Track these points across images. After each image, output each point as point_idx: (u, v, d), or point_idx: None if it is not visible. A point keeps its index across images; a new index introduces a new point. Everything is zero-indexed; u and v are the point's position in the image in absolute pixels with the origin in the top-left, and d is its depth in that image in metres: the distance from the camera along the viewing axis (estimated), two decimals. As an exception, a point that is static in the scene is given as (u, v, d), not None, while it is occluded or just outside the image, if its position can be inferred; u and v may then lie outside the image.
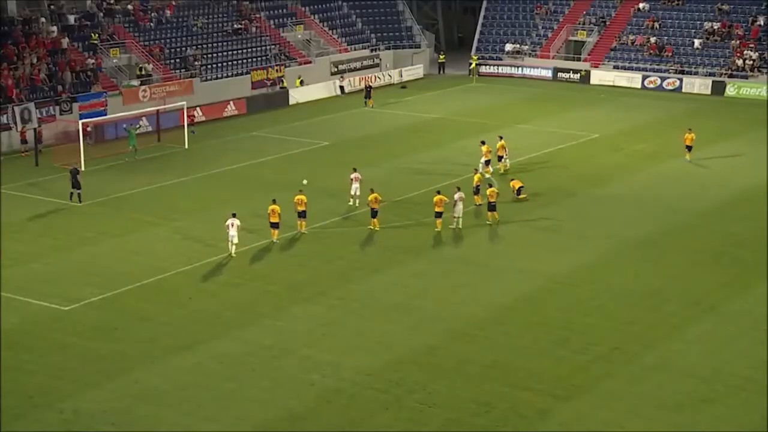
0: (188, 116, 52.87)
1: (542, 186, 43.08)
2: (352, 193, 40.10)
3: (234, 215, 34.88)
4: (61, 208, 40.38)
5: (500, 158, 45.84)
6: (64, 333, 28.09)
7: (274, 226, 35.99)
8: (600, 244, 36.12)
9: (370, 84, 65.86)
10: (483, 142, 45.12)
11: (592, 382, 25.57)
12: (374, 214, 37.40)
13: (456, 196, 37.47)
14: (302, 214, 37.00)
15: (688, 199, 41.77)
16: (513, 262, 34.39)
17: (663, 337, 28.23)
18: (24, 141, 49.20)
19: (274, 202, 36.27)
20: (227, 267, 33.63)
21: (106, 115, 52.98)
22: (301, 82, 65.39)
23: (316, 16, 72.85)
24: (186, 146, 51.37)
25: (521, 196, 40.52)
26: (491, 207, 38.15)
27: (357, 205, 39.43)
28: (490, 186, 39.57)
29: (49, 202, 41.29)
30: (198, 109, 57.58)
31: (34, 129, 48.32)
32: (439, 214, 37.38)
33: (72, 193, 40.70)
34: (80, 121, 48.07)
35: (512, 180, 42.26)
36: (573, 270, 33.54)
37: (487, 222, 38.08)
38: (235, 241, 34.52)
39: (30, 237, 36.72)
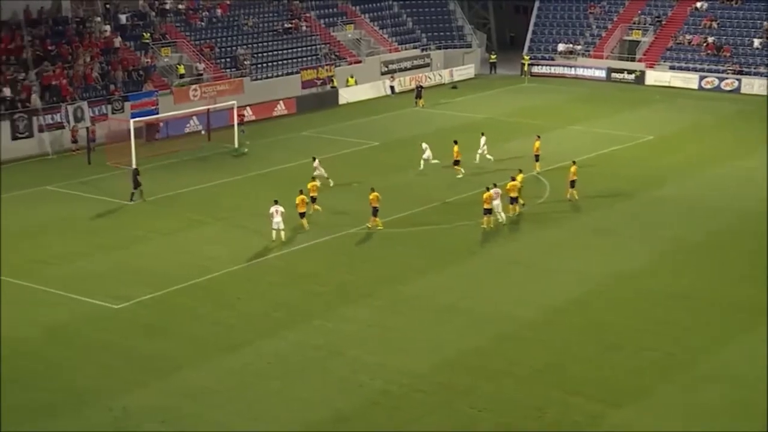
0: (238, 115, 53.25)
1: (595, 188, 42.62)
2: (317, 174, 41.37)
3: (276, 202, 35.57)
4: (113, 207, 40.87)
5: (537, 158, 45.53)
6: (113, 332, 28.40)
7: (303, 215, 36.92)
8: (654, 247, 35.62)
9: (421, 84, 65.78)
10: (455, 142, 45.39)
11: (646, 389, 25.18)
12: (375, 212, 37.38)
13: (493, 192, 37.36)
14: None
15: (744, 202, 41.03)
16: (564, 263, 34.06)
17: (719, 344, 27.73)
18: (74, 140, 49.83)
19: (300, 192, 37.23)
20: (276, 267, 33.76)
21: (157, 114, 53.57)
22: (356, 81, 65.50)
23: (367, 15, 72.93)
24: (236, 145, 51.71)
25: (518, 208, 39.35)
26: (513, 200, 38.10)
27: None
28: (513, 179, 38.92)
29: (100, 201, 41.82)
30: (248, 108, 57.95)
31: (87, 128, 49.03)
32: (488, 211, 37.22)
33: (133, 193, 40.93)
34: (131, 120, 48.63)
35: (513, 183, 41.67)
36: (626, 273, 33.11)
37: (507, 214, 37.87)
38: (282, 226, 35.15)
39: (81, 235, 37.20)
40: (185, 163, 48.44)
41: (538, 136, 46.49)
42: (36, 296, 30.97)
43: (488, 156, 46.01)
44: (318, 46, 66.92)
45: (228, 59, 62.00)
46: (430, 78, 69.81)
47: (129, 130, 47.47)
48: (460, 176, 44.36)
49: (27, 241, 36.48)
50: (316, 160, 42.92)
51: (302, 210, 37.21)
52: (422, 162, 45.44)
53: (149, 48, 58.64)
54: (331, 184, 41.05)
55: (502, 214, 37.80)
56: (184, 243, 36.40)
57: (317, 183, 39.66)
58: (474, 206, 39.45)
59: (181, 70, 58.76)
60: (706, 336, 28.29)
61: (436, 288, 31.97)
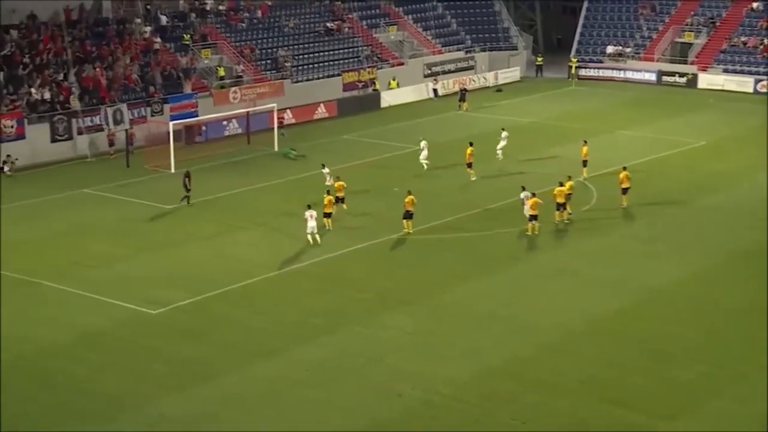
0: (278, 118, 53.68)
1: (644, 195, 42.34)
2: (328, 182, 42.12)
3: (310, 206, 36.34)
4: (151, 210, 41.41)
5: (584, 163, 45.36)
6: (151, 336, 28.81)
7: (328, 215, 37.84)
8: (704, 256, 35.33)
9: (465, 87, 65.83)
10: (471, 144, 45.63)
11: (696, 402, 25.00)
12: (409, 215, 37.60)
13: (522, 196, 37.35)
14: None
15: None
16: (611, 272, 33.91)
17: (772, 357, 27.42)
18: (111, 143, 50.49)
19: (328, 193, 38.02)
20: (314, 273, 34.01)
21: (196, 116, 54.17)
22: (398, 84, 65.71)
23: (410, 16, 73.11)
24: (276, 149, 52.13)
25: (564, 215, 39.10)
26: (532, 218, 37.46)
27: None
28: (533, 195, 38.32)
29: (138, 204, 42.40)
30: (288, 111, 58.39)
31: (126, 130, 49.70)
32: (533, 217, 37.19)
33: (187, 197, 41.31)
34: (170, 123, 49.25)
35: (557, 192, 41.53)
36: (674, 282, 32.89)
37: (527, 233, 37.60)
38: (316, 231, 36.02)
39: (118, 239, 37.77)
40: (224, 166, 48.93)
41: (585, 141, 46.36)
42: (74, 300, 31.51)
43: (498, 153, 45.96)
44: (360, 48, 67.24)
45: (268, 61, 62.53)
46: (474, 81, 69.79)
47: (168, 133, 48.14)
48: (474, 179, 44.44)
49: (65, 244, 37.13)
50: (326, 167, 43.13)
51: (328, 210, 37.94)
52: (424, 164, 46.47)
53: (189, 49, 59.34)
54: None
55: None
56: (222, 247, 36.80)
57: (343, 183, 40.39)
58: (517, 212, 39.41)
59: (221, 72, 59.39)
60: (758, 348, 27.99)
61: (477, 295, 32.00)
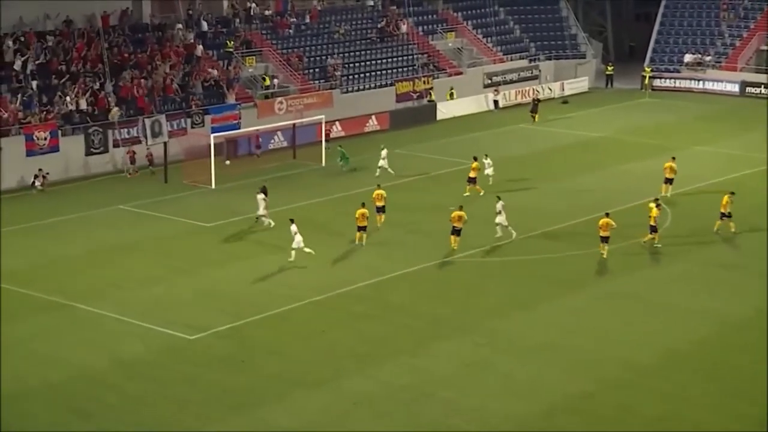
0: (325, 131, 54.02)
1: (723, 216, 41.90)
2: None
3: (292, 221, 37.53)
4: (189, 228, 41.96)
5: (669, 181, 45.05)
6: (189, 363, 29.18)
7: (362, 229, 38.51)
8: (790, 285, 34.88)
9: (538, 97, 65.79)
10: (475, 158, 46.34)
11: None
12: (456, 232, 37.89)
13: (498, 206, 38.46)
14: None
15: None
16: (685, 300, 33.65)
17: None
18: (132, 161, 50.31)
19: (363, 206, 38.39)
20: (363, 297, 34.20)
21: (239, 128, 54.81)
22: (451, 95, 65.93)
23: (470, 22, 73.34)
24: (323, 164, 52.53)
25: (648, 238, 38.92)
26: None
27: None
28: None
29: (176, 222, 43.00)
30: (337, 123, 58.82)
31: (164, 143, 50.42)
32: (605, 239, 37.06)
33: (262, 215, 41.73)
34: (212, 135, 49.89)
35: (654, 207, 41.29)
36: (755, 313, 32.51)
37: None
38: (302, 245, 36.85)
39: (154, 258, 38.34)
40: (269, 182, 49.35)
41: (673, 158, 46.00)
42: (108, 323, 32.04)
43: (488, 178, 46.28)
44: (415, 56, 67.56)
45: (317, 70, 63.09)
46: (538, 92, 69.73)
47: (209, 146, 48.78)
48: (467, 194, 44.76)
49: (99, 264, 37.77)
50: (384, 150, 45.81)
51: (362, 224, 38.30)
52: (378, 169, 48.09)
53: (233, 57, 60.11)
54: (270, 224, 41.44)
55: (509, 229, 38.75)
56: (265, 269, 37.15)
57: (383, 192, 41.05)
58: (582, 234, 39.30)
59: (266, 81, 60.07)
60: None
61: (540, 323, 31.93)
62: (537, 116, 62.56)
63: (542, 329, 31.49)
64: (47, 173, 48.24)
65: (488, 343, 30.50)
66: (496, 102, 67.46)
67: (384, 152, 49.25)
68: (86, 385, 27.87)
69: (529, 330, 31.42)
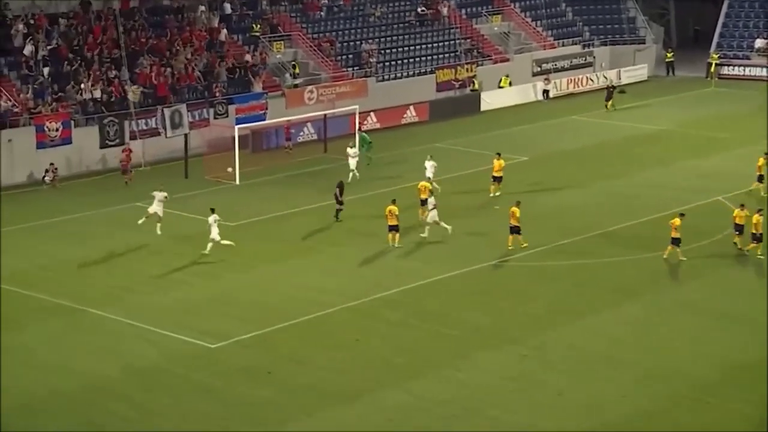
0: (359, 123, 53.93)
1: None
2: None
3: (213, 210, 38.01)
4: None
5: (760, 178, 44.48)
6: (209, 374, 29.16)
7: (393, 228, 38.42)
8: None
9: (613, 84, 65.40)
10: (499, 154, 45.92)
11: None
12: (514, 231, 38.03)
13: (430, 203, 38.85)
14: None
15: None
16: (755, 310, 33.17)
17: None
18: (125, 169, 48.51)
19: (393, 202, 38.10)
20: (400, 303, 34.07)
21: (265, 119, 54.87)
22: (509, 83, 65.67)
23: (517, 4, 73.05)
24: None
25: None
26: (755, 237, 37.17)
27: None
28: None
29: (197, 221, 43.03)
30: (372, 114, 58.72)
31: (185, 135, 50.54)
32: (676, 241, 36.82)
33: (338, 210, 41.94)
34: (236, 127, 49.97)
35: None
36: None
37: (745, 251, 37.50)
38: (218, 238, 37.54)
39: (174, 260, 38.39)
40: (296, 178, 49.42)
41: (767, 153, 45.34)
42: (123, 330, 32.11)
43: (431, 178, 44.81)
44: (457, 41, 67.38)
45: (350, 56, 63.07)
46: (592, 81, 69.34)
47: (233, 139, 48.84)
48: (495, 195, 44.57)
49: (114, 266, 37.92)
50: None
51: (392, 223, 38.35)
52: (350, 174, 47.39)
53: (259, 42, 60.20)
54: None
55: (443, 225, 39.12)
56: (293, 272, 37.10)
57: (428, 185, 41.43)
58: (643, 237, 38.89)
59: (296, 68, 60.08)
60: None
61: (593, 335, 31.63)
62: (610, 104, 62.29)
63: (596, 341, 31.18)
64: (56, 168, 48.28)
65: (536, 356, 30.25)
66: (546, 92, 67.13)
67: (353, 151, 48.28)
68: (97, 395, 27.91)
69: (581, 342, 31.13)
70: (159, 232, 40.12)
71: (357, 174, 47.07)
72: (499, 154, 45.96)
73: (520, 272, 36.97)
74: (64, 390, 28.13)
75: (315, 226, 42.02)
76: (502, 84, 65.88)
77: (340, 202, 42.12)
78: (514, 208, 38.28)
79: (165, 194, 40.75)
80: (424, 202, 41.16)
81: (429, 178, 43.67)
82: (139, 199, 45.83)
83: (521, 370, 29.37)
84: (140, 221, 40.16)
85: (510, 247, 38.45)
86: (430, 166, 44.97)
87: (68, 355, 30.30)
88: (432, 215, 39.59)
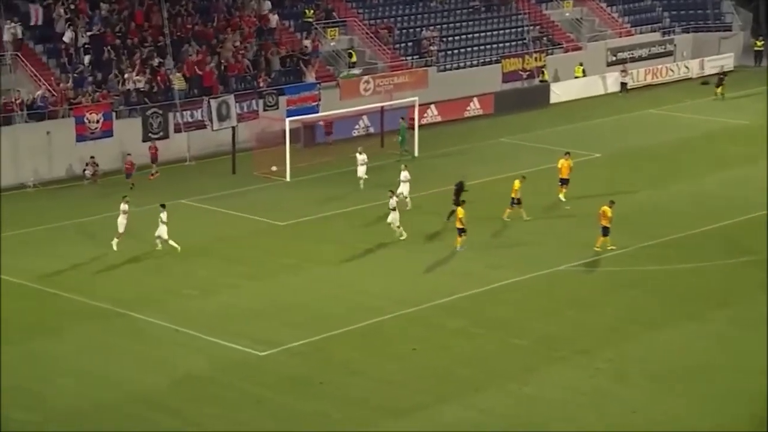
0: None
1: None
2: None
3: (163, 206, 38.72)
4: (260, 227, 42.32)
5: None
6: (257, 384, 29.41)
7: (461, 232, 38.29)
8: None
9: (725, 71, 65.04)
10: (568, 153, 45.22)
11: None
12: (605, 232, 38.03)
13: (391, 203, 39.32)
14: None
15: None
16: None
17: None
18: (154, 159, 49.61)
19: (462, 203, 38.29)
20: (461, 310, 34.10)
21: (317, 112, 55.09)
22: (583, 72, 65.45)
23: (592, -12, 72.68)
24: (416, 153, 52.51)
25: None
26: None
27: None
28: None
29: (246, 219, 43.42)
30: (432, 106, 58.76)
31: (233, 128, 50.93)
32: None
33: (453, 211, 41.40)
34: (287, 119, 50.27)
35: None
36: None
37: None
38: (166, 236, 38.47)
39: (220, 262, 38.75)
40: (350, 174, 49.53)
41: None
42: (168, 336, 32.47)
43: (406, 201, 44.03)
44: (525, 28, 67.18)
45: (410, 44, 63.13)
46: (672, 71, 68.77)
47: (283, 132, 49.13)
48: (563, 199, 44.08)
49: (155, 267, 38.38)
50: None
51: (460, 226, 38.37)
52: (360, 181, 46.74)
53: (312, 29, 60.47)
54: None
55: (400, 230, 39.73)
56: (346, 276, 37.30)
57: (517, 184, 41.44)
58: (729, 241, 38.58)
59: (352, 57, 60.26)
60: None
61: (672, 348, 31.43)
62: (720, 90, 62.80)
63: (674, 354, 30.99)
64: (96, 164, 48.79)
65: (609, 369, 30.13)
66: (624, 84, 66.61)
67: (362, 157, 46.93)
68: (140, 406, 28.23)
69: (657, 355, 30.97)
70: (115, 248, 39.37)
71: (365, 180, 45.96)
72: (567, 153, 45.60)
73: (592, 278, 36.85)
74: (106, 401, 28.47)
75: (371, 227, 42.17)
76: (576, 73, 65.57)
77: (457, 203, 41.20)
78: (606, 208, 38.26)
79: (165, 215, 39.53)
80: (514, 202, 41.47)
81: (402, 193, 42.89)
82: (185, 195, 46.37)
83: (592, 385, 29.29)
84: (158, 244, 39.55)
85: (597, 248, 38.47)
86: (404, 177, 43.78)
87: (109, 363, 30.69)
88: (393, 216, 39.86)
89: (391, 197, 40.30)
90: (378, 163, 51.20)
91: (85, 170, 48.99)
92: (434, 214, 43.05)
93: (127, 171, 48.45)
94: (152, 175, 49.53)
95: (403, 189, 43.36)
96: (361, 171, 46.57)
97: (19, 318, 33.81)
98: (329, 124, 54.67)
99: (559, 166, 44.68)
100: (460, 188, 41.91)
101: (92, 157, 48.97)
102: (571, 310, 34.25)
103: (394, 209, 39.99)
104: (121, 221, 39.58)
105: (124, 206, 39.81)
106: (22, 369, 30.12)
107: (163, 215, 38.78)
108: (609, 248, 38.47)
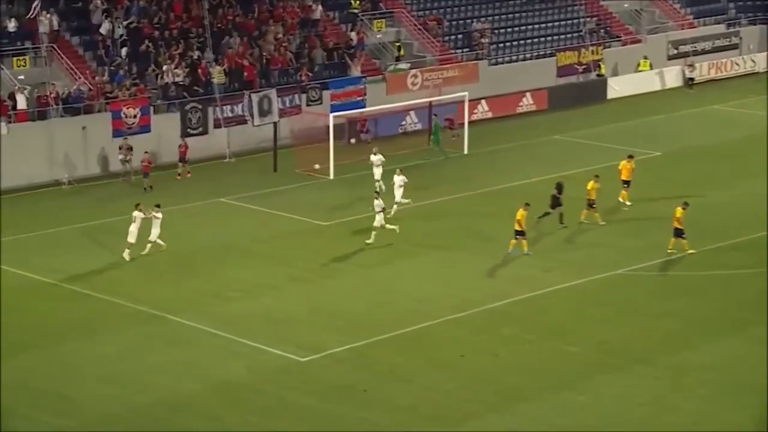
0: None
1: None
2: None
3: (158, 206, 38.95)
4: (303, 227, 42.42)
5: None
6: (299, 391, 29.47)
7: (520, 234, 38.19)
8: None
9: None
10: (631, 156, 44.56)
11: None
12: (679, 233, 37.89)
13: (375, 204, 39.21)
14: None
15: None
16: None
17: None
18: (183, 158, 49.17)
19: (526, 207, 38.17)
20: (512, 316, 34.04)
21: (363, 107, 55.16)
22: (649, 65, 65.10)
23: (652, -24, 72.28)
24: (465, 151, 52.43)
25: None
26: None
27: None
28: None
29: (287, 219, 43.54)
30: (483, 102, 58.69)
31: (274, 123, 51.09)
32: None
33: (561, 215, 41.44)
34: (331, 115, 50.35)
35: None
36: None
37: None
38: (152, 238, 38.50)
39: (261, 263, 38.89)
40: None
41: None
42: (206, 340, 32.62)
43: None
44: (581, 20, 66.93)
45: (460, 36, 63.07)
46: (737, 65, 68.23)
47: (327, 128, 49.22)
48: (626, 204, 43.48)
49: (194, 268, 38.57)
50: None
51: (520, 228, 38.18)
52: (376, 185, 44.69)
53: (358, 20, 60.54)
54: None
55: (374, 234, 39.49)
56: (392, 279, 37.33)
57: (596, 184, 41.03)
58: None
59: (399, 50, 60.24)
60: None
61: (735, 357, 31.20)
62: None
63: (734, 364, 30.75)
64: (130, 157, 48.88)
65: (667, 378, 29.96)
66: (690, 80, 66.10)
67: (377, 158, 45.81)
68: (177, 413, 28.38)
69: (721, 364, 30.73)
70: (127, 258, 38.92)
71: (383, 186, 44.39)
72: (630, 156, 44.98)
73: (651, 283, 36.64)
74: (141, 406, 28.65)
75: (417, 227, 42.15)
76: (641, 67, 65.18)
77: (559, 204, 41.31)
78: (679, 208, 38.14)
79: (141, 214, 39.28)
80: (591, 204, 41.15)
81: (396, 200, 42.62)
82: (225, 193, 46.59)
83: (652, 395, 29.11)
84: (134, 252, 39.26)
85: (669, 250, 38.35)
86: (399, 180, 43.34)
87: (146, 368, 30.87)
88: (378, 219, 39.69)
89: (376, 198, 40.05)
90: (424, 161, 51.25)
91: (119, 153, 48.77)
92: (484, 215, 42.96)
93: (144, 170, 48.11)
94: (180, 175, 49.44)
95: (397, 195, 42.88)
96: (378, 173, 45.69)
97: (53, 320, 34.17)
98: (364, 122, 54.57)
99: (620, 167, 44.32)
100: (559, 190, 41.50)
101: (125, 139, 48.77)
102: (629, 315, 34.09)
103: (380, 211, 39.73)
104: (133, 230, 38.76)
105: (137, 213, 38.98)
106: (56, 373, 30.42)
107: (157, 215, 38.75)
108: (688, 252, 38.25)
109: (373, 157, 46.01)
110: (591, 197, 41.46)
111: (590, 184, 41.56)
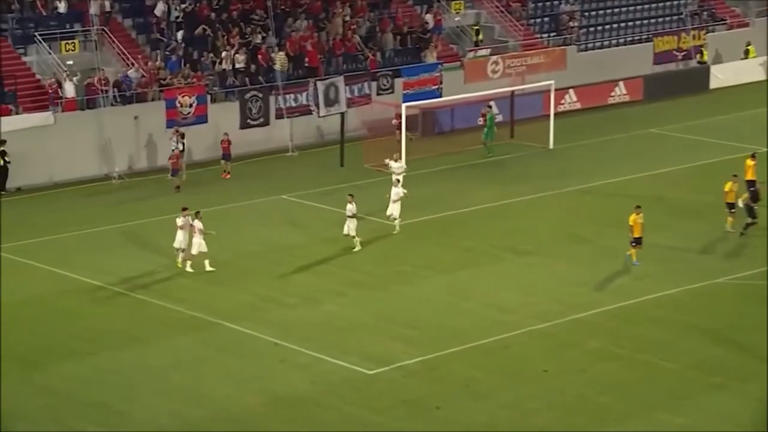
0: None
1: None
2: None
3: (198, 214, 37.98)
4: (370, 228, 42.38)
5: None
6: (365, 407, 29.47)
7: (637, 242, 37.92)
8: None
9: None
10: (754, 155, 43.63)
11: None
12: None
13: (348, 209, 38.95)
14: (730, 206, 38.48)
15: None
16: None
17: None
18: (227, 155, 49.16)
19: (638, 209, 37.70)
20: (603, 328, 33.81)
21: (439, 96, 55.09)
22: (746, 52, 64.49)
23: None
24: (551, 145, 52.18)
25: None
26: None
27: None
28: None
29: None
30: (571, 91, 58.39)
31: (342, 114, 51.14)
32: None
33: (749, 224, 40.83)
34: (404, 105, 50.32)
35: None
36: None
37: None
38: (184, 246, 37.83)
39: (326, 268, 39.03)
40: (474, 169, 49.51)
41: None
42: (264, 350, 32.74)
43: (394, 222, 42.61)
44: (682, 2, 66.34)
45: (546, 19, 62.84)
46: None
47: (398, 120, 49.20)
48: (730, 230, 41.77)
49: (252, 271, 38.79)
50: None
51: (637, 234, 37.80)
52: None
53: (434, 2, 60.48)
54: None
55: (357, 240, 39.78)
56: (468, 285, 37.22)
57: (734, 186, 40.40)
58: None
59: (479, 35, 60.09)
60: None
61: None
62: None
63: None
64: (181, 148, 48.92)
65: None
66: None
67: (397, 165, 44.74)
68: (234, 427, 28.49)
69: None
70: (209, 268, 38.50)
71: (405, 191, 42.58)
72: (754, 155, 43.99)
73: (755, 292, 36.18)
74: (193, 419, 28.83)
75: (495, 229, 42.03)
76: (750, 54, 64.45)
77: (755, 215, 40.77)
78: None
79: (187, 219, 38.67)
80: (731, 206, 40.63)
81: (391, 215, 41.80)
82: (286, 190, 46.74)
83: (756, 419, 28.78)
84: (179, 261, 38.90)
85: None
86: (397, 167, 43.30)
87: (199, 378, 31.06)
88: (351, 226, 39.74)
89: (350, 202, 39.78)
90: (507, 156, 51.10)
91: (171, 138, 48.79)
92: (569, 216, 42.72)
93: (174, 168, 47.93)
94: (226, 172, 49.43)
95: (393, 209, 41.83)
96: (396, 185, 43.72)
97: (101, 326, 34.48)
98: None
99: (745, 167, 43.35)
100: (755, 196, 41.10)
101: (177, 130, 49.03)
102: (732, 329, 33.69)
103: (352, 216, 39.65)
104: (180, 238, 38.19)
105: (180, 221, 38.29)
106: (106, 383, 30.66)
107: (198, 224, 38.01)
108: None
109: (393, 164, 44.60)
110: (729, 200, 40.64)
111: (728, 185, 40.83)
